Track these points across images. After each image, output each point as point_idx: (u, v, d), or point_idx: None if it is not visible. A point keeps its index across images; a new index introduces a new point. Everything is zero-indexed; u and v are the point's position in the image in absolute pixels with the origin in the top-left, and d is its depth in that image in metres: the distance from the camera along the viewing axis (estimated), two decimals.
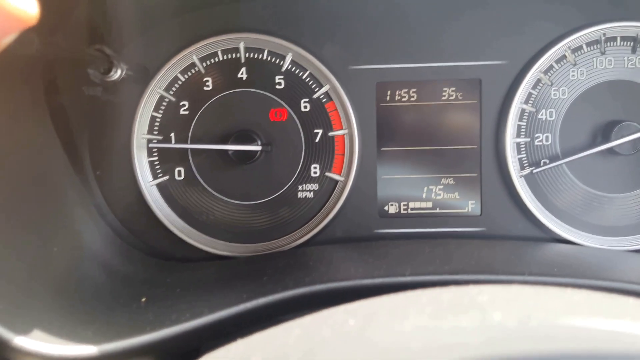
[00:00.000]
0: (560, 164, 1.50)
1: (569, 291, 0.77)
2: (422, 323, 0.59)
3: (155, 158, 1.54)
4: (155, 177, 1.54)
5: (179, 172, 1.54)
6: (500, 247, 1.39)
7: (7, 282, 1.06)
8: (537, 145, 1.51)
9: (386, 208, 1.55)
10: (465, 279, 1.07)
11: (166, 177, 1.54)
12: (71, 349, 0.96)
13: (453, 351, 0.48)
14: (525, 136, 1.51)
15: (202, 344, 1.08)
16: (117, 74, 1.40)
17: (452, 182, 1.54)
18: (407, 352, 0.51)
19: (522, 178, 1.51)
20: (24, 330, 0.97)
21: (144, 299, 1.20)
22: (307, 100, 1.52)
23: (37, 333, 0.97)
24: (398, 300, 0.78)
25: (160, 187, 1.55)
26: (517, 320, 0.55)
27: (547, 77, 1.49)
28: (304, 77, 1.52)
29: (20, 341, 0.95)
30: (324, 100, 1.52)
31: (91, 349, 0.96)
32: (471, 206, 1.54)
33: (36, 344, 0.95)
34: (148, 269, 1.44)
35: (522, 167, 1.51)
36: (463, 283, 0.90)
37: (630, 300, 0.76)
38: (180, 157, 1.54)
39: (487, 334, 0.52)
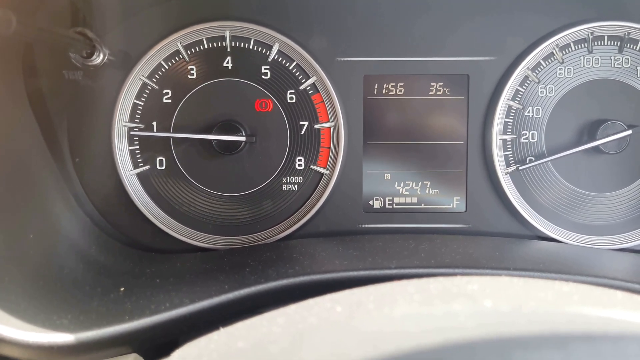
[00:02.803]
0: (546, 162, 1.49)
1: (558, 283, 0.76)
2: (413, 309, 0.57)
3: (136, 147, 1.51)
4: (135, 166, 1.51)
5: (161, 161, 1.51)
6: (485, 243, 1.39)
7: None
8: (523, 143, 1.51)
9: (371, 203, 1.54)
10: (451, 273, 1.06)
11: (147, 167, 1.51)
12: (46, 336, 0.93)
13: (447, 335, 0.47)
14: (512, 133, 1.50)
15: (180, 337, 1.05)
16: (99, 59, 1.37)
17: (437, 177, 1.53)
18: (400, 337, 0.49)
19: (508, 175, 1.51)
20: None
21: (122, 289, 1.17)
22: (293, 91, 1.50)
23: (11, 320, 0.94)
24: (385, 289, 0.76)
25: (140, 176, 1.52)
26: (511, 305, 0.53)
27: (535, 74, 1.49)
28: (290, 67, 1.50)
29: None
30: (310, 92, 1.50)
31: (67, 337, 0.93)
32: (456, 202, 1.54)
33: (10, 331, 0.92)
34: (127, 260, 1.40)
35: (508, 164, 1.51)
36: (449, 276, 0.89)
37: (619, 293, 0.75)
38: (162, 146, 1.51)
39: (481, 319, 0.50)
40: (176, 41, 1.48)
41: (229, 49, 1.49)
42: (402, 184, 1.54)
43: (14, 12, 0.96)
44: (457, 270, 1.09)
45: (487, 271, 1.07)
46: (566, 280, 1.04)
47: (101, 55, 1.37)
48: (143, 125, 1.50)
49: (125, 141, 1.50)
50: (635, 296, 0.75)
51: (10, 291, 1.04)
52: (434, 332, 0.48)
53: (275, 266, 1.17)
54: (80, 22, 1.33)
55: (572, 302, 0.62)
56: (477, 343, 0.47)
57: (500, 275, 0.97)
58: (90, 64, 1.37)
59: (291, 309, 0.76)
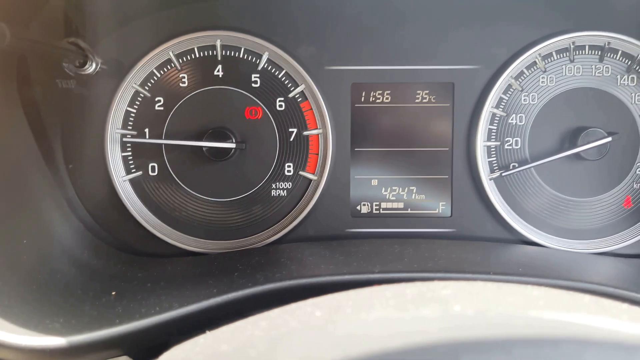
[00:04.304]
0: (529, 168, 1.53)
1: (529, 287, 0.80)
2: (385, 314, 0.61)
3: (129, 153, 1.54)
4: (128, 172, 1.54)
5: (153, 167, 1.54)
6: (469, 247, 1.42)
7: None
8: (507, 149, 1.54)
9: (358, 208, 1.57)
10: (432, 277, 1.09)
11: (139, 173, 1.54)
12: (39, 340, 0.95)
13: (411, 338, 0.50)
14: (496, 140, 1.54)
15: (171, 339, 1.08)
16: (91, 68, 1.40)
17: (423, 183, 1.57)
18: (367, 340, 0.52)
19: (492, 181, 1.54)
20: None
21: (113, 293, 1.20)
22: (282, 99, 1.53)
23: (4, 323, 0.97)
24: (364, 293, 0.79)
25: (133, 182, 1.55)
26: (475, 310, 0.57)
27: (518, 82, 1.53)
28: (279, 76, 1.53)
29: None
30: (299, 100, 1.54)
31: (59, 341, 0.96)
32: (442, 207, 1.57)
33: (3, 334, 0.95)
34: (119, 264, 1.43)
35: (492, 170, 1.55)
36: (430, 280, 0.92)
37: (587, 297, 0.79)
38: (154, 152, 1.54)
39: (445, 323, 0.54)
40: (168, 50, 1.51)
41: (219, 58, 1.53)
42: (389, 189, 1.57)
43: (8, 25, 0.99)
44: (438, 275, 1.12)
45: (468, 275, 1.11)
46: (541, 284, 1.08)
47: (94, 65, 1.40)
48: (135, 132, 1.53)
49: (118, 147, 1.53)
50: (602, 300, 0.78)
51: (4, 295, 1.07)
52: (400, 336, 0.51)
53: (263, 270, 1.20)
54: (73, 32, 1.36)
55: (537, 307, 0.65)
56: (440, 347, 0.50)
57: (476, 279, 1.00)
58: (83, 73, 1.40)
59: (275, 312, 0.80)
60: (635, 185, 1.54)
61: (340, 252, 1.36)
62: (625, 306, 0.78)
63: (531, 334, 0.53)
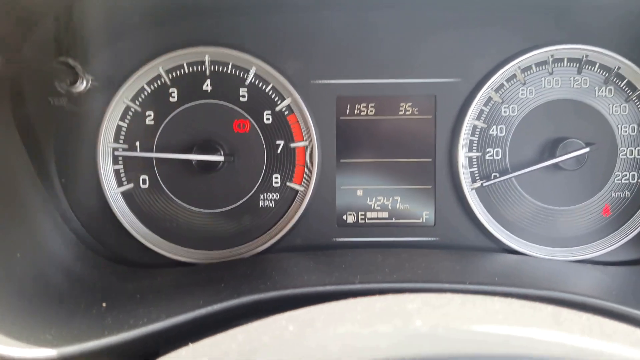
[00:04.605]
0: (510, 178, 1.57)
1: (494, 300, 0.84)
2: (348, 329, 0.65)
3: (121, 166, 1.58)
4: (120, 184, 1.58)
5: (144, 180, 1.59)
6: (450, 257, 1.46)
7: None
8: (488, 160, 1.59)
9: (344, 217, 1.62)
10: (409, 287, 1.13)
11: (131, 185, 1.58)
12: (31, 351, 0.99)
13: (365, 353, 0.54)
14: (477, 151, 1.58)
15: (160, 349, 1.12)
16: (82, 85, 1.44)
17: (407, 193, 1.61)
18: (326, 354, 0.57)
19: (474, 191, 1.59)
20: None
21: (104, 305, 1.24)
22: (269, 112, 1.58)
23: None
24: (337, 307, 0.84)
25: (125, 194, 1.59)
26: (429, 326, 0.61)
27: (498, 95, 1.57)
28: (267, 90, 1.57)
29: None
30: (286, 113, 1.58)
31: (50, 352, 1.00)
32: (425, 216, 1.61)
33: None
34: (110, 275, 1.47)
35: (474, 180, 1.59)
36: (407, 291, 0.97)
37: (549, 308, 0.83)
38: (145, 165, 1.58)
39: (398, 338, 0.58)
40: (158, 66, 1.56)
41: (208, 73, 1.57)
42: (374, 199, 1.62)
43: (1, 51, 1.03)
44: (417, 285, 1.15)
45: (445, 286, 1.15)
46: (515, 293, 1.12)
47: (85, 82, 1.44)
48: (127, 146, 1.57)
49: (109, 161, 1.57)
50: (562, 312, 0.82)
51: None
52: (356, 351, 0.56)
53: (248, 281, 1.24)
54: (64, 52, 1.40)
55: (495, 321, 0.69)
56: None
57: (450, 290, 1.04)
58: (74, 90, 1.44)
59: (252, 326, 0.84)
60: (613, 194, 1.58)
61: (324, 262, 1.40)
62: (584, 317, 0.82)
63: (486, 350, 0.57)
